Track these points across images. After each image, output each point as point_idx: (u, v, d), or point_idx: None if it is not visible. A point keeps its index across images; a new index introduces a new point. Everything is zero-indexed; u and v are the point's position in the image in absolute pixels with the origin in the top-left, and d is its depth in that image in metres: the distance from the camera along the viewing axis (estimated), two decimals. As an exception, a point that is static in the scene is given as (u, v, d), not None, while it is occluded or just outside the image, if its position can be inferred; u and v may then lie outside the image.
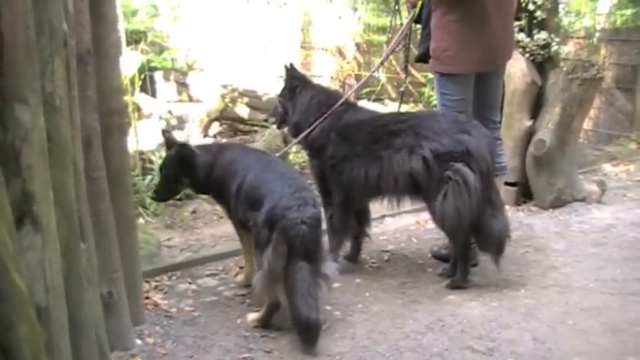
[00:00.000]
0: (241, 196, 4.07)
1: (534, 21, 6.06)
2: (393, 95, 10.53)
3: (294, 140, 4.92)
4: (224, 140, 8.77)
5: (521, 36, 5.99)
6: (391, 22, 5.42)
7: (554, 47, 6.09)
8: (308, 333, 3.63)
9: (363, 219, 4.95)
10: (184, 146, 4.30)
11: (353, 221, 4.83)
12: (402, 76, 5.95)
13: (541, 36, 6.03)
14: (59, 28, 2.60)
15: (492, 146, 4.54)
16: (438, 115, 4.70)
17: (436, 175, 4.32)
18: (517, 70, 5.92)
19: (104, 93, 3.51)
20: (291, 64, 4.99)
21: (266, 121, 6.27)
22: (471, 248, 4.58)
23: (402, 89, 5.57)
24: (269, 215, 3.72)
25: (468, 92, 4.76)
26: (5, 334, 1.99)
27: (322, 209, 4.20)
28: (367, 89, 10.64)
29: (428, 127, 4.41)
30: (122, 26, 6.93)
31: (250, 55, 11.76)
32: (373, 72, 5.92)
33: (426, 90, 9.72)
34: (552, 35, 6.07)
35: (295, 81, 4.89)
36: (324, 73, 11.32)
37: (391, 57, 9.54)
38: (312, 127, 4.65)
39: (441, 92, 4.80)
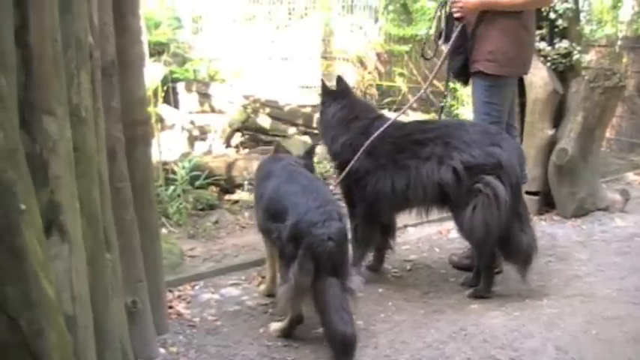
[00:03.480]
0: (262, 204, 4.12)
1: (556, 30, 6.06)
2: (415, 105, 10.52)
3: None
4: (246, 151, 8.80)
5: (542, 45, 5.98)
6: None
7: (576, 56, 6.08)
8: (345, 348, 3.61)
9: (388, 231, 4.96)
10: None
11: (378, 234, 4.84)
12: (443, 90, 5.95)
13: (562, 44, 6.03)
14: (85, 41, 2.65)
15: (522, 159, 4.55)
16: (467, 125, 4.69)
17: (466, 186, 4.31)
18: (539, 78, 5.92)
19: (128, 104, 3.55)
20: (322, 80, 5.04)
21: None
22: (495, 258, 4.57)
23: (442, 104, 5.58)
24: (294, 230, 3.71)
25: (509, 100, 4.87)
26: (35, 340, 2.02)
27: (348, 221, 4.20)
28: (388, 99, 10.64)
29: (458, 138, 4.41)
30: (145, 38, 7.02)
31: (272, 65, 11.82)
32: (422, 92, 5.82)
33: (447, 99, 9.70)
34: (574, 44, 6.06)
35: (324, 96, 4.94)
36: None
37: (412, 67, 9.62)
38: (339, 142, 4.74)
39: (486, 102, 4.79)
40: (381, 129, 4.57)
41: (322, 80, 5.13)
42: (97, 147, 2.82)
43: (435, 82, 9.55)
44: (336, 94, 4.98)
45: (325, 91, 5.00)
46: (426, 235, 5.74)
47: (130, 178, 3.50)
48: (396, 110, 9.50)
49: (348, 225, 4.25)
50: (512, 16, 4.66)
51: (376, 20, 12.17)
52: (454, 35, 4.78)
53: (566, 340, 3.89)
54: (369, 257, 4.96)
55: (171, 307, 4.31)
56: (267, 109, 9.47)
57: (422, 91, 5.82)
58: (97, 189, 2.77)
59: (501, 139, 4.44)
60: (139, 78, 3.77)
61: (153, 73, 7.64)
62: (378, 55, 11.43)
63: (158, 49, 9.87)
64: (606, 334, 3.96)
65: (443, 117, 7.81)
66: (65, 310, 2.30)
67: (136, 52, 3.68)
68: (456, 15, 4.78)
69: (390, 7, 11.97)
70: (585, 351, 3.76)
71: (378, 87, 11.07)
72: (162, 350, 3.78)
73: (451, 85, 6.93)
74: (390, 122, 4.68)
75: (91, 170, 2.72)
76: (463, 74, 4.89)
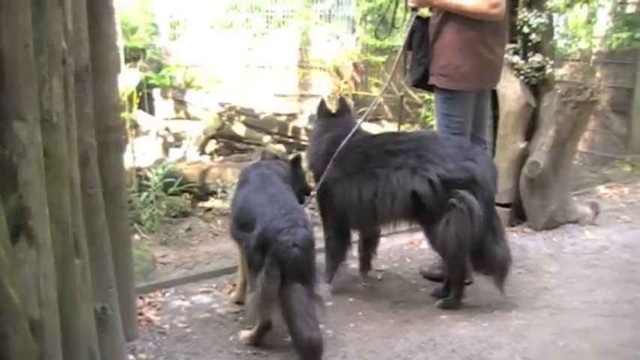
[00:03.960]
0: (234, 213, 4.15)
1: (529, 44, 6.11)
2: (390, 115, 10.59)
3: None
4: (220, 158, 8.80)
5: (516, 58, 6.04)
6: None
7: (549, 70, 6.13)
8: (311, 353, 3.63)
9: (369, 244, 4.99)
10: None
11: (348, 246, 4.85)
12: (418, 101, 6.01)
13: (536, 59, 6.07)
14: (58, 46, 2.65)
15: (495, 173, 4.58)
16: (441, 138, 4.69)
17: (440, 200, 4.31)
18: (512, 92, 5.97)
19: (102, 110, 3.54)
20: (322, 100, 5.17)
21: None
22: (466, 270, 4.61)
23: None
24: (261, 238, 3.74)
25: (470, 114, 4.80)
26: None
27: (314, 229, 4.20)
28: (363, 109, 10.68)
29: (432, 151, 4.40)
30: (121, 43, 7.01)
31: (249, 73, 11.84)
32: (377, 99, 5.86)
33: (423, 111, 9.77)
34: (547, 58, 6.12)
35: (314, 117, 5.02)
36: (321, 92, 11.37)
37: (388, 77, 9.67)
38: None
39: (444, 114, 4.81)
40: (347, 137, 4.59)
41: (322, 100, 5.16)
42: (68, 152, 2.82)
43: (412, 93, 9.68)
44: (319, 114, 5.06)
45: (316, 112, 5.09)
46: (398, 246, 5.75)
47: (102, 184, 3.48)
48: (370, 121, 9.55)
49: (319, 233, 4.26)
50: (469, 30, 4.62)
51: (353, 31, 12.23)
52: (408, 28, 4.87)
53: (534, 351, 3.92)
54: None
55: (141, 314, 4.30)
56: (243, 117, 9.48)
57: (376, 98, 5.85)
58: (67, 194, 2.76)
59: (475, 154, 4.46)
60: (113, 84, 3.76)
61: (128, 78, 7.63)
62: (355, 65, 11.49)
63: (134, 55, 9.85)
64: (574, 346, 3.99)
65: (418, 127, 7.86)
66: (31, 315, 2.30)
67: (110, 59, 3.67)
68: (410, 4, 4.84)
69: (368, 18, 12.04)
70: (552, 362, 3.80)
71: (354, 97, 11.11)
72: (131, 357, 3.78)
73: (426, 96, 6.97)
74: (354, 130, 4.70)
75: (61, 175, 2.71)
76: (423, 84, 4.92)
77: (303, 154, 5.05)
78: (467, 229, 4.27)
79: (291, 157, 4.75)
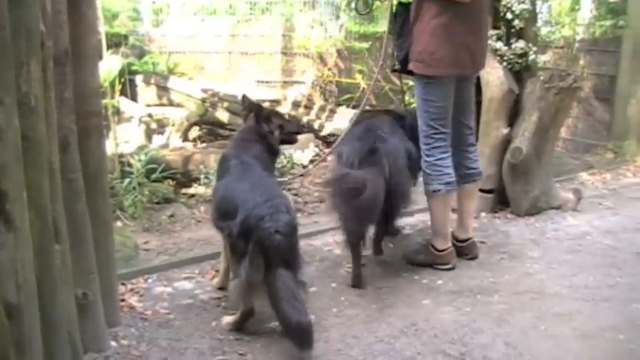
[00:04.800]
0: (214, 202, 4.15)
1: (512, 30, 6.10)
2: (374, 102, 10.57)
3: None
4: (203, 144, 8.78)
5: (499, 44, 6.03)
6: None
7: (532, 56, 6.13)
8: (302, 336, 3.61)
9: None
10: None
11: None
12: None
13: (519, 45, 6.07)
14: (36, 29, 2.63)
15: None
16: None
17: None
18: (495, 78, 5.97)
19: (82, 95, 3.52)
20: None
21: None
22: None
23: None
24: (243, 226, 3.72)
25: (450, 99, 4.76)
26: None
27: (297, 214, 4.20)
28: (347, 96, 10.67)
29: None
30: (103, 29, 6.97)
31: (232, 60, 11.80)
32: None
33: (407, 97, 9.74)
34: (530, 44, 6.12)
35: None
36: (305, 79, 11.35)
37: (372, 64, 9.65)
38: None
39: (424, 99, 4.77)
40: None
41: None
42: (47, 137, 2.80)
43: (394, 79, 9.67)
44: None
45: None
46: (381, 231, 5.74)
47: (82, 169, 3.47)
48: (354, 107, 9.54)
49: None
50: (444, 16, 4.57)
51: (337, 17, 12.19)
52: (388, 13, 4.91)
53: (516, 335, 3.94)
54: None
55: (123, 300, 4.28)
56: (226, 104, 9.44)
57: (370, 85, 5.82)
58: (46, 179, 2.75)
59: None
60: (94, 69, 3.74)
61: (110, 65, 7.59)
62: (339, 51, 11.45)
63: (116, 41, 9.78)
64: (555, 330, 4.02)
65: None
66: (9, 300, 2.29)
67: (90, 43, 3.65)
68: None
69: (352, 5, 12.00)
70: (534, 346, 3.81)
71: (338, 83, 11.09)
72: (113, 343, 3.76)
73: (410, 82, 6.95)
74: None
75: (40, 160, 2.70)
76: (404, 70, 4.90)
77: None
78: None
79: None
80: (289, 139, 4.70)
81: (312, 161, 8.15)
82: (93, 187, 3.61)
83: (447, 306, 4.34)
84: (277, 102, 9.55)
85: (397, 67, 4.96)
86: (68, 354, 2.97)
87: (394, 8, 4.91)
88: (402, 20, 4.81)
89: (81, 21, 3.50)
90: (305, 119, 9.35)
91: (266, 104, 9.45)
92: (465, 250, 5.13)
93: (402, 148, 4.84)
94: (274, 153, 4.50)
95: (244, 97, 4.66)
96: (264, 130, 4.39)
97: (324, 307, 4.28)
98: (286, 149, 7.38)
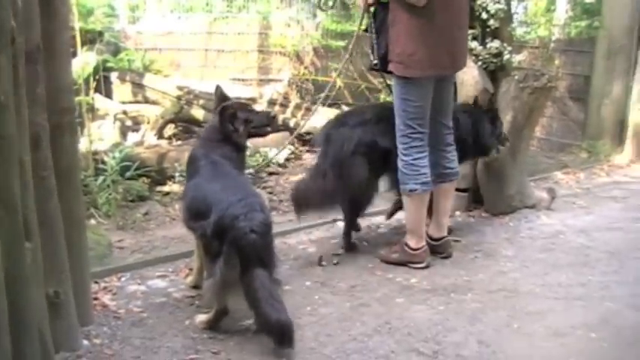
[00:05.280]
0: (185, 203, 4.14)
1: (487, 30, 6.12)
2: (350, 100, 10.58)
3: None
4: (178, 142, 8.74)
5: (474, 44, 6.04)
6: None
7: (507, 56, 6.15)
8: (283, 335, 3.61)
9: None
10: None
11: None
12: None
13: (494, 44, 6.09)
14: (7, 24, 2.61)
15: None
16: None
17: None
18: (469, 77, 5.98)
19: (54, 91, 3.49)
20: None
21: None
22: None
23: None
24: (218, 226, 3.70)
25: (428, 99, 4.77)
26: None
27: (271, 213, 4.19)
28: (323, 93, 10.64)
29: None
30: (77, 25, 6.91)
31: (208, 57, 11.77)
32: None
33: (382, 96, 9.76)
34: (505, 44, 6.14)
35: None
36: (281, 77, 11.34)
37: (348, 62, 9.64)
38: None
39: (402, 98, 4.77)
40: None
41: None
42: (18, 134, 2.77)
43: (371, 78, 9.71)
44: None
45: None
46: (355, 230, 5.75)
47: (55, 166, 3.43)
48: (330, 105, 9.55)
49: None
50: (419, 17, 4.57)
51: (314, 15, 12.18)
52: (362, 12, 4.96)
53: (489, 333, 3.95)
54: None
55: (96, 299, 4.25)
56: (202, 101, 9.41)
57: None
58: (17, 176, 2.73)
59: None
60: (66, 65, 3.71)
61: (85, 61, 7.54)
62: (315, 49, 11.44)
63: (90, 38, 9.71)
64: (528, 329, 4.04)
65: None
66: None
67: (63, 39, 3.61)
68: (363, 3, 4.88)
69: (330, 3, 11.99)
70: (506, 345, 3.83)
71: (314, 81, 11.07)
72: (85, 342, 3.72)
73: (387, 81, 6.97)
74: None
75: (11, 157, 2.67)
76: (382, 69, 4.89)
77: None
78: None
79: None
80: (258, 133, 4.62)
81: (287, 159, 8.16)
82: (65, 185, 3.58)
83: (420, 304, 4.34)
84: (253, 100, 9.51)
85: (377, 65, 4.94)
86: (39, 353, 2.94)
87: (372, 9, 4.90)
88: (380, 19, 4.81)
89: (53, 17, 3.46)
90: (281, 117, 9.32)
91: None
92: (439, 248, 5.14)
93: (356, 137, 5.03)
94: (241, 150, 4.42)
95: (217, 87, 4.59)
96: (228, 129, 4.35)
97: (297, 305, 4.27)
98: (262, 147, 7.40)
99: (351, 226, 5.34)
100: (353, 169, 5.01)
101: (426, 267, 4.92)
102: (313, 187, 5.14)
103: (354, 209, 5.25)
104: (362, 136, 5.00)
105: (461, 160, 5.29)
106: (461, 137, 5.33)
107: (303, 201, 5.18)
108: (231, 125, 4.31)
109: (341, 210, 5.27)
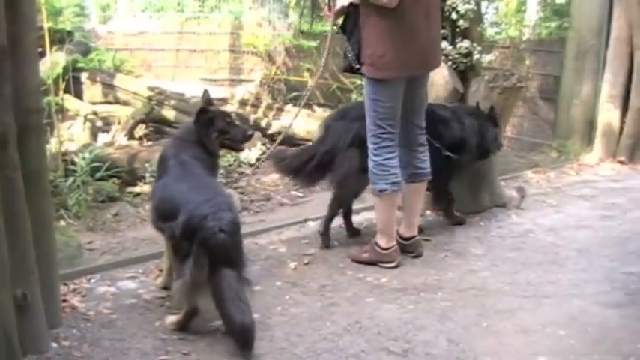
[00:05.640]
0: (153, 204, 4.14)
1: (457, 30, 6.15)
2: (322, 100, 10.60)
3: None
4: (149, 143, 8.71)
5: (444, 44, 6.04)
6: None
7: (476, 56, 6.18)
8: (245, 337, 3.61)
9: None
10: None
11: None
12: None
13: (463, 45, 6.11)
14: (-29, 24, 2.58)
15: None
16: None
17: None
18: (439, 77, 6.00)
19: (22, 92, 3.46)
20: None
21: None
22: None
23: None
24: (186, 226, 3.69)
25: (399, 99, 4.78)
26: None
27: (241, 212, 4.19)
28: (294, 94, 10.67)
29: None
30: (46, 25, 6.86)
31: (180, 57, 11.74)
32: None
33: (354, 96, 9.80)
34: (474, 44, 6.16)
35: None
36: (253, 77, 11.33)
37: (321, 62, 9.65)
38: None
39: (373, 99, 4.78)
40: None
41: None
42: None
43: (343, 78, 9.74)
44: None
45: None
46: (326, 230, 5.76)
47: (23, 167, 3.41)
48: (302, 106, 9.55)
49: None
50: (387, 19, 4.58)
51: (286, 15, 12.19)
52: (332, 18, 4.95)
53: (458, 332, 3.98)
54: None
55: (65, 301, 4.21)
56: (173, 101, 9.38)
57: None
58: (-18, 178, 2.70)
59: None
60: (34, 65, 3.68)
61: (54, 61, 7.48)
62: (287, 49, 11.44)
63: (59, 38, 9.64)
64: (497, 326, 4.07)
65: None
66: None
67: (30, 39, 3.58)
68: (331, 16, 4.93)
69: (302, 3, 12.01)
70: (475, 342, 3.85)
71: (286, 81, 11.08)
72: (54, 344, 3.69)
73: (358, 81, 7.01)
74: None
75: (-24, 158, 2.65)
76: (355, 70, 4.90)
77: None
78: None
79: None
80: (231, 146, 4.61)
81: (258, 159, 8.16)
82: (34, 186, 3.55)
83: (391, 303, 4.36)
84: (224, 100, 9.50)
85: (354, 67, 4.93)
86: (5, 356, 2.92)
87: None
88: (353, 21, 4.81)
89: (19, 17, 3.43)
90: (252, 117, 9.32)
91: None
92: (409, 247, 5.17)
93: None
94: (211, 155, 4.41)
95: (205, 91, 4.59)
96: (201, 132, 4.34)
97: (268, 305, 4.27)
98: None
99: (334, 216, 5.44)
100: (346, 160, 5.19)
101: (397, 266, 4.94)
102: (298, 158, 5.47)
103: (340, 200, 5.38)
104: (360, 130, 5.04)
105: (462, 161, 5.52)
106: (465, 140, 5.48)
107: (281, 160, 5.56)
108: (205, 130, 4.30)
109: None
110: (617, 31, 8.94)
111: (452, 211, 5.99)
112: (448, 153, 5.42)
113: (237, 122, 4.69)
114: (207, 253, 3.63)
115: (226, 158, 7.31)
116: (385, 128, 4.75)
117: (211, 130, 4.33)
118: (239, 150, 4.93)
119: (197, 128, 4.31)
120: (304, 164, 5.39)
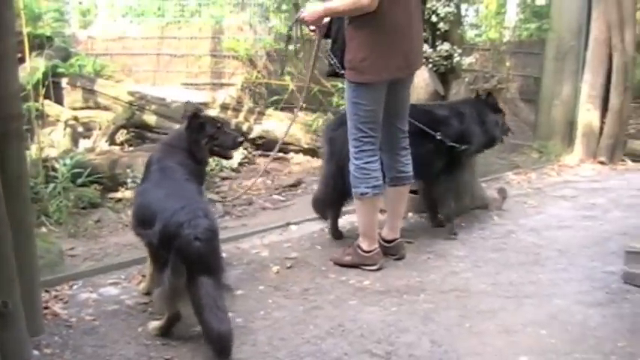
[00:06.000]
0: (133, 209, 4.15)
1: (437, 32, 6.17)
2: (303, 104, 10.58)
3: None
4: (131, 148, 8.68)
5: (424, 47, 6.09)
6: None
7: (457, 58, 6.21)
8: (221, 345, 3.61)
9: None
10: None
11: None
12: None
13: (444, 47, 6.14)
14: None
15: None
16: None
17: None
18: (420, 80, 6.01)
19: (1, 98, 3.46)
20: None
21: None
22: None
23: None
24: (163, 234, 3.69)
25: (380, 102, 4.79)
26: None
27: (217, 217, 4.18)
28: (275, 97, 10.66)
29: None
30: (25, 30, 6.82)
31: (160, 62, 11.71)
32: None
33: (336, 99, 9.80)
34: (455, 47, 6.19)
35: None
36: (234, 82, 11.32)
37: (301, 67, 9.67)
38: None
39: (354, 102, 4.79)
40: None
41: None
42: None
43: (324, 82, 9.73)
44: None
45: None
46: (309, 233, 5.77)
47: (2, 174, 3.40)
48: (282, 109, 9.56)
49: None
50: (365, 24, 4.59)
51: (267, 19, 12.17)
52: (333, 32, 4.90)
53: (441, 333, 3.99)
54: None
55: (47, 308, 4.19)
56: (154, 106, 9.35)
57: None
58: (-39, 185, 2.68)
59: None
60: (13, 71, 3.67)
61: (33, 67, 7.44)
62: (268, 54, 11.43)
63: (39, 43, 9.59)
64: (479, 327, 4.08)
65: (330, 115, 7.91)
66: None
67: (8, 45, 3.56)
68: (310, 28, 4.92)
69: (283, 7, 12.00)
70: (458, 343, 3.87)
71: (267, 86, 11.06)
72: (35, 352, 3.68)
73: (339, 84, 7.01)
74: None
75: (-45, 165, 2.63)
76: (338, 75, 4.91)
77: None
78: None
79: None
80: (220, 153, 4.64)
81: (240, 164, 8.16)
82: (14, 193, 3.54)
83: (373, 306, 4.37)
84: (206, 104, 9.48)
85: (340, 71, 4.92)
86: (-16, 364, 2.90)
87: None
88: (337, 27, 4.82)
89: (-3, 22, 3.42)
90: (233, 122, 9.30)
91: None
92: (392, 250, 5.18)
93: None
94: (199, 162, 4.43)
95: (187, 102, 4.61)
96: (190, 137, 4.34)
97: (251, 309, 4.27)
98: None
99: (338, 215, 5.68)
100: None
101: (379, 269, 4.95)
102: (325, 191, 5.58)
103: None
104: None
105: (467, 152, 5.64)
106: (468, 130, 5.59)
107: (322, 207, 5.66)
108: (196, 135, 4.31)
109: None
110: (596, 32, 9.00)
111: (435, 213, 6.00)
112: (452, 143, 5.49)
113: (226, 129, 4.68)
114: (184, 262, 3.62)
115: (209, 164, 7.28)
116: (366, 132, 4.76)
117: (201, 136, 4.34)
118: (228, 157, 4.94)
119: (188, 134, 4.32)
120: (332, 190, 5.49)
